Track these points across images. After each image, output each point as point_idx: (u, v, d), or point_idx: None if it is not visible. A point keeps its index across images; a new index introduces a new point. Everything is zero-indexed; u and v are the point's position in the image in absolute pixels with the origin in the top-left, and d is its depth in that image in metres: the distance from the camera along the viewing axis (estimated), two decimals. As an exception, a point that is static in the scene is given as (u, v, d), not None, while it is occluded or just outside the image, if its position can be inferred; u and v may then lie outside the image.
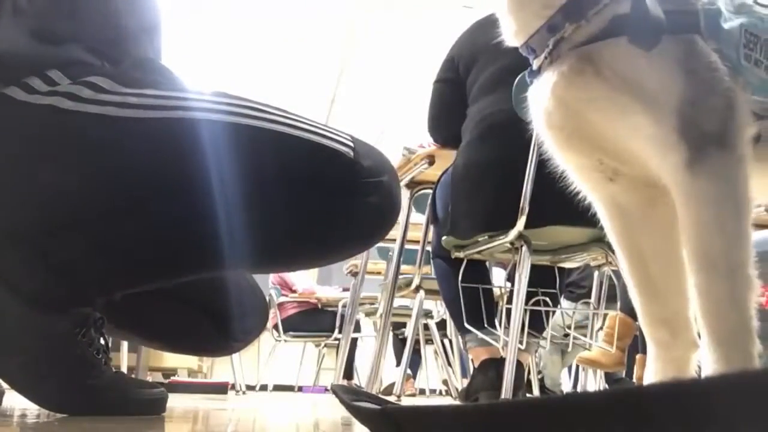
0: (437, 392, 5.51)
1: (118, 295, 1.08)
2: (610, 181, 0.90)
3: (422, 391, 5.50)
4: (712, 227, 0.76)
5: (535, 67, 0.88)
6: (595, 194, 0.94)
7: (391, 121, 6.31)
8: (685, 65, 0.78)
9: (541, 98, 0.88)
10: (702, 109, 0.77)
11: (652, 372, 0.90)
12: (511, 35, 0.92)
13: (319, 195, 1.05)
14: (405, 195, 2.63)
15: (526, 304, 1.82)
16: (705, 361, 0.76)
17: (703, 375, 0.78)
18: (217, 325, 1.31)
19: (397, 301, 2.93)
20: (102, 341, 1.07)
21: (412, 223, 2.65)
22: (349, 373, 5.17)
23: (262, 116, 1.04)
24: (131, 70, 1.07)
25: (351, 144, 1.08)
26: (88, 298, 1.04)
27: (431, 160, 2.33)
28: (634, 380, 2.91)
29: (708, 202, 0.76)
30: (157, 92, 1.03)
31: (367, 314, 4.37)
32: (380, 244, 3.33)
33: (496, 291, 2.20)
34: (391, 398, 2.34)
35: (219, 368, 6.12)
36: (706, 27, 0.80)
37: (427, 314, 3.96)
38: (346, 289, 4.82)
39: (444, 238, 1.96)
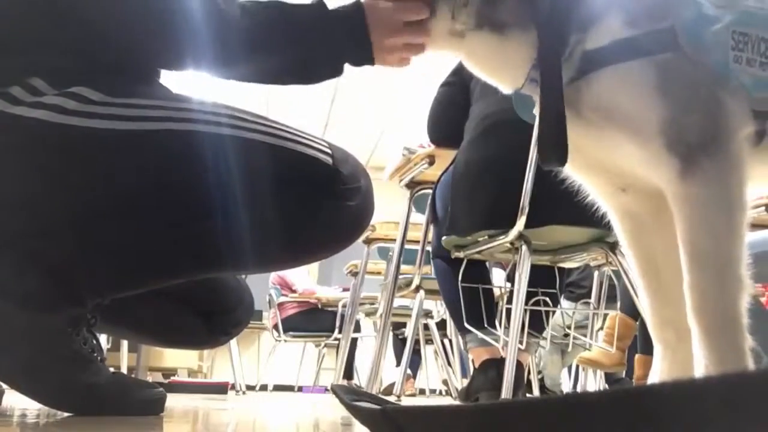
0: (437, 392, 5.51)
1: (108, 299, 1.10)
2: (623, 192, 0.93)
3: (422, 391, 5.50)
4: (704, 228, 0.78)
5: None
6: (608, 204, 0.97)
7: (391, 122, 6.32)
8: (660, 89, 0.79)
9: None
10: (684, 126, 0.79)
11: (657, 372, 0.91)
12: (500, 88, 0.97)
13: (304, 202, 1.11)
14: (405, 195, 2.63)
15: (526, 304, 1.82)
16: (697, 360, 0.76)
17: (695, 373, 0.78)
18: (206, 320, 1.35)
19: (397, 301, 2.93)
20: (95, 341, 1.08)
21: (412, 223, 2.65)
22: (349, 373, 5.17)
23: (248, 126, 1.08)
24: (118, 77, 1.08)
25: (329, 151, 1.13)
26: (79, 300, 1.05)
27: (431, 160, 2.34)
28: (634, 380, 2.91)
29: (700, 206, 0.78)
30: (145, 101, 1.05)
31: (367, 314, 4.37)
32: (380, 244, 3.33)
33: (496, 291, 2.20)
34: (391, 398, 2.34)
35: (219, 368, 6.13)
36: (686, 38, 0.80)
37: (427, 314, 3.97)
38: (346, 289, 4.81)
39: (444, 238, 1.96)
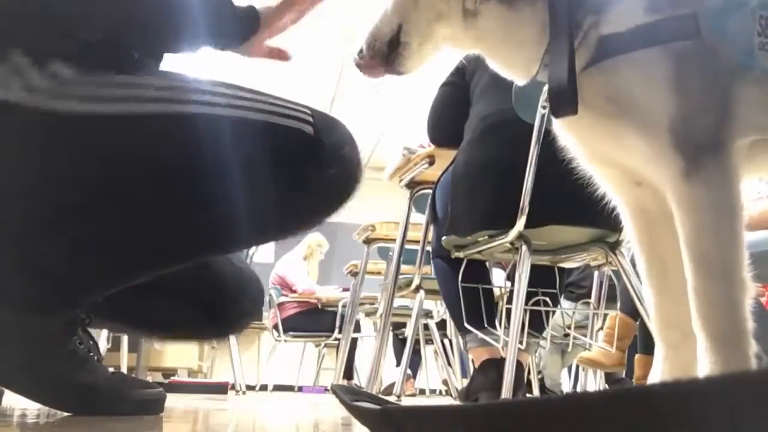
0: (437, 392, 5.51)
1: (102, 296, 1.09)
2: (637, 186, 0.92)
3: (422, 391, 5.50)
4: (707, 232, 0.77)
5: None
6: (620, 197, 0.96)
7: (391, 122, 6.32)
8: (675, 83, 0.77)
9: (556, 126, 0.92)
10: (694, 126, 0.77)
11: (659, 372, 0.90)
12: (516, 79, 0.95)
13: (284, 174, 1.08)
14: (405, 195, 2.63)
15: (526, 304, 1.82)
16: (701, 362, 0.76)
17: (700, 376, 0.78)
18: (208, 313, 1.32)
19: (397, 301, 2.93)
20: (91, 341, 1.08)
21: (412, 223, 2.65)
22: (349, 373, 5.17)
23: (224, 102, 1.06)
24: (94, 57, 1.04)
25: (311, 119, 1.10)
26: (73, 301, 1.05)
27: (431, 160, 2.34)
28: (634, 380, 2.91)
29: (704, 209, 0.77)
30: (120, 80, 1.02)
31: (367, 314, 4.37)
32: (380, 244, 3.33)
33: (496, 291, 2.20)
34: (391, 398, 2.34)
35: (219, 368, 6.12)
36: (708, 25, 0.78)
37: (427, 314, 3.96)
38: (346, 289, 4.81)
39: (444, 238, 1.96)
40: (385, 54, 0.95)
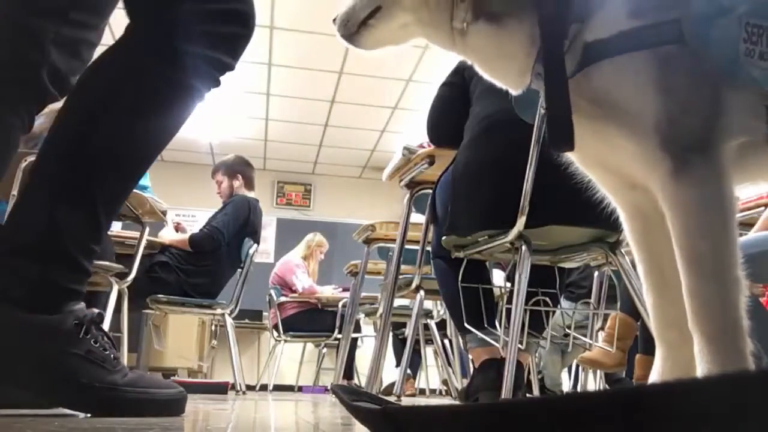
0: (437, 392, 5.51)
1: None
2: (632, 189, 0.92)
3: (422, 391, 5.51)
4: (699, 232, 0.77)
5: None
6: (617, 199, 0.96)
7: (391, 122, 6.31)
8: (660, 85, 0.78)
9: None
10: (680, 127, 0.78)
11: (659, 372, 0.90)
12: (509, 88, 0.96)
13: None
14: (405, 195, 2.63)
15: (526, 304, 1.82)
16: (698, 362, 0.76)
17: (697, 375, 0.78)
18: None
19: (397, 301, 2.93)
20: (106, 338, 1.07)
21: (412, 223, 2.65)
22: (349, 373, 5.17)
23: None
24: None
25: None
26: (77, 292, 1.04)
27: (431, 160, 2.34)
28: (634, 380, 2.90)
29: (694, 209, 0.77)
30: None
31: (367, 314, 4.37)
32: (380, 244, 3.33)
33: (496, 291, 2.20)
34: (391, 398, 2.34)
35: (219, 368, 6.13)
36: (692, 31, 0.78)
37: (427, 314, 3.96)
38: (346, 289, 4.82)
39: (444, 238, 1.96)
40: (352, 33, 0.99)
